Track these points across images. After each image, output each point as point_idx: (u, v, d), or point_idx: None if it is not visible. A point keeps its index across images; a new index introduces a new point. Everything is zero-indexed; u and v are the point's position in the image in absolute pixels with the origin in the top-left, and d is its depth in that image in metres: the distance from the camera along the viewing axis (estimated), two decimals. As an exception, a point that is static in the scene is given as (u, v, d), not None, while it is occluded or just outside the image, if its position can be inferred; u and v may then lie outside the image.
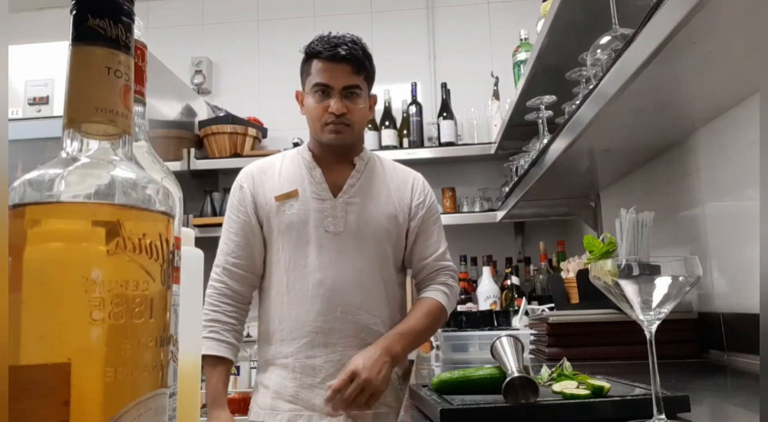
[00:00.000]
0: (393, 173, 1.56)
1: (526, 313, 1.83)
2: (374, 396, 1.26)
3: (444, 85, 2.94)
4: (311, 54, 1.45)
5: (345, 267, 1.41)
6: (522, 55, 2.24)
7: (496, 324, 1.74)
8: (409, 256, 1.53)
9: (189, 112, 2.92)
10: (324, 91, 1.43)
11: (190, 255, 0.53)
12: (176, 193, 0.49)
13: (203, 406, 1.38)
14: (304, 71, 1.48)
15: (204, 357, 1.32)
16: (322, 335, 1.39)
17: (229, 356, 1.40)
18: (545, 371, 0.89)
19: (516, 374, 0.71)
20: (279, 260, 1.45)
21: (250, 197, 1.48)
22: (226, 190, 2.27)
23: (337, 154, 1.50)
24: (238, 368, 2.20)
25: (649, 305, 0.62)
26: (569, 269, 1.73)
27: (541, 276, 2.61)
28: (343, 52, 1.41)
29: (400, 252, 1.52)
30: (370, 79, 1.50)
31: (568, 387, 0.76)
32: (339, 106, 1.42)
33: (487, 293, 2.51)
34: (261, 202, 1.47)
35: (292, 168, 1.51)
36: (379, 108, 2.94)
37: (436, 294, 1.47)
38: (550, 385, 0.80)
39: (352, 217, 1.45)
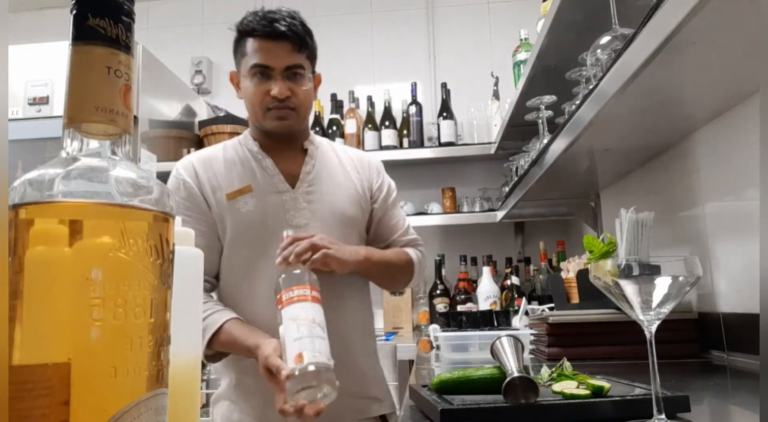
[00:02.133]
0: (347, 157, 1.45)
1: (526, 313, 1.83)
2: (327, 259, 1.17)
3: (444, 85, 2.94)
4: (245, 31, 1.29)
5: None
6: (522, 55, 2.24)
7: (496, 324, 1.74)
8: (373, 238, 1.43)
9: (189, 112, 2.92)
10: (263, 72, 1.28)
11: (190, 256, 0.53)
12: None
13: (203, 406, 1.34)
14: (238, 51, 1.33)
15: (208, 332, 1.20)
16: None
17: (231, 314, 1.24)
18: (545, 371, 0.89)
19: (516, 374, 0.71)
20: (233, 265, 1.30)
21: (198, 193, 1.31)
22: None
23: (284, 141, 1.37)
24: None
25: (649, 305, 0.62)
26: (569, 269, 1.73)
27: (541, 276, 2.61)
28: (282, 28, 1.26)
29: (364, 236, 1.42)
30: (312, 56, 1.36)
31: (568, 387, 0.76)
32: (282, 89, 1.27)
33: (487, 293, 2.51)
34: (210, 201, 1.30)
35: (238, 160, 1.35)
36: (379, 108, 2.94)
37: (408, 250, 1.43)
38: (550, 385, 0.80)
39: (316, 207, 1.32)
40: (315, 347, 0.97)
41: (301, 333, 0.98)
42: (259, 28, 1.27)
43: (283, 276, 1.09)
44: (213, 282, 1.34)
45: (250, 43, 1.29)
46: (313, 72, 1.38)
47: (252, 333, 1.19)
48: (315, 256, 1.16)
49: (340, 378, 1.25)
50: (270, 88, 1.28)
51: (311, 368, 0.94)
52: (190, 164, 1.34)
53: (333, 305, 1.20)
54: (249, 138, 1.39)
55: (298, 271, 1.10)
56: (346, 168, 1.42)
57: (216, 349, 1.23)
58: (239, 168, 1.34)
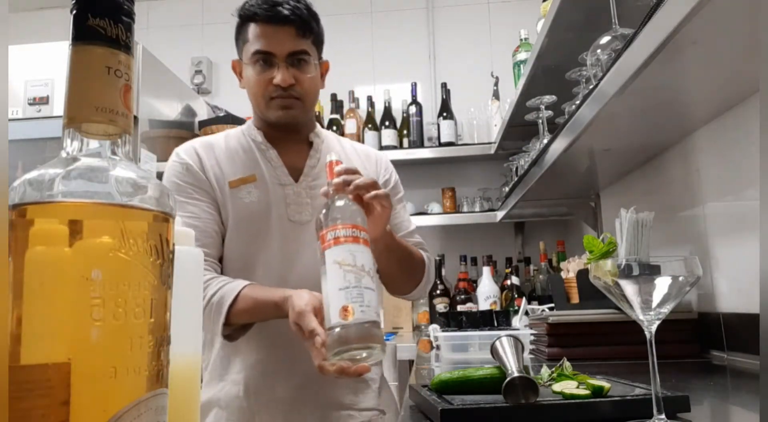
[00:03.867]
0: (353, 151, 1.37)
1: (526, 313, 1.83)
2: (385, 202, 1.00)
3: (444, 85, 2.94)
4: (246, 16, 1.22)
5: (311, 261, 1.12)
6: (522, 55, 2.25)
7: (496, 324, 1.74)
8: None
9: (189, 112, 2.92)
10: (266, 60, 1.20)
11: (190, 255, 0.53)
12: None
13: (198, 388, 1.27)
14: (240, 37, 1.26)
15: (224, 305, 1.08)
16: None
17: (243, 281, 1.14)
18: (545, 371, 0.89)
19: (516, 374, 0.71)
20: (229, 258, 1.22)
21: (203, 176, 1.23)
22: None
23: (289, 133, 1.28)
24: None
25: (649, 305, 0.62)
26: (569, 269, 1.73)
27: (541, 276, 2.61)
28: (286, 12, 1.19)
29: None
30: (318, 42, 1.28)
31: (568, 387, 0.76)
32: (285, 77, 1.19)
33: (487, 293, 2.51)
34: (213, 186, 1.23)
35: (241, 149, 1.28)
36: (379, 108, 2.94)
37: (423, 253, 1.32)
38: (550, 385, 0.80)
39: (319, 203, 1.22)
40: (364, 299, 0.81)
41: (348, 282, 0.82)
42: (261, 12, 1.20)
43: (331, 207, 0.90)
44: (221, 267, 1.25)
45: (252, 29, 1.22)
46: (320, 59, 1.30)
47: (276, 289, 1.07)
48: (379, 192, 0.98)
49: (343, 390, 1.19)
50: (273, 75, 1.20)
51: (358, 325, 0.80)
52: (191, 148, 1.26)
53: None
54: (252, 128, 1.31)
55: (349, 205, 0.91)
56: (352, 162, 1.31)
57: (236, 322, 1.11)
58: (243, 157, 1.26)
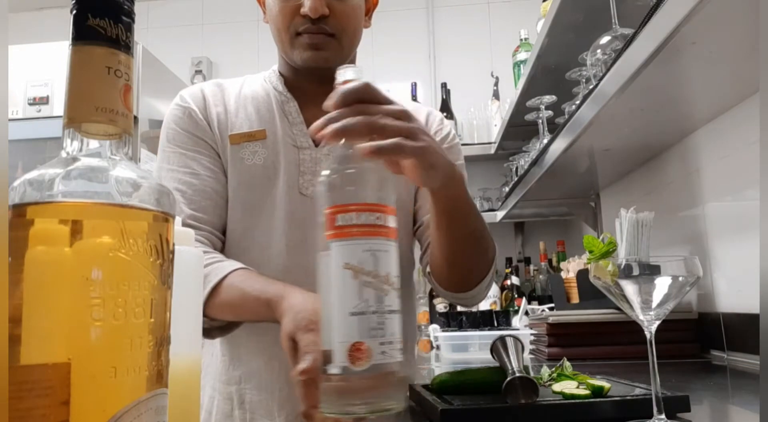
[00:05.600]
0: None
1: (526, 313, 1.83)
2: (409, 154, 0.62)
3: (444, 85, 2.94)
4: None
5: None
6: (522, 55, 2.25)
7: (496, 324, 1.74)
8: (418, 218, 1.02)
9: (189, 112, 2.92)
10: None
11: (190, 255, 0.53)
12: None
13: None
14: None
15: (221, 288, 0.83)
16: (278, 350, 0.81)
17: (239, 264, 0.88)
18: (545, 371, 0.89)
19: (516, 374, 0.71)
20: (228, 230, 0.98)
21: (206, 126, 0.98)
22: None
23: (318, 82, 0.95)
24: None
25: (649, 305, 0.62)
26: (569, 269, 1.73)
27: (541, 276, 2.61)
28: None
29: (411, 225, 1.03)
30: None
31: (568, 387, 0.76)
32: (316, 5, 0.89)
33: (487, 293, 2.51)
34: (216, 139, 0.98)
35: (257, 97, 1.02)
36: (379, 108, 2.94)
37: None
38: (550, 385, 0.80)
39: None
40: (386, 331, 0.53)
41: (366, 303, 0.52)
42: None
43: (340, 168, 0.56)
44: (222, 240, 0.99)
45: None
46: None
47: (273, 282, 0.81)
48: (386, 143, 0.58)
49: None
50: (300, 2, 0.91)
51: (371, 375, 0.52)
52: (198, 90, 1.02)
53: None
54: (275, 73, 1.05)
55: (365, 167, 0.56)
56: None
57: (215, 316, 0.86)
58: (255, 107, 1.01)
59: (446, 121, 1.10)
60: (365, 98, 0.61)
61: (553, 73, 1.68)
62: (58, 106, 2.41)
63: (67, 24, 0.36)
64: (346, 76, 0.62)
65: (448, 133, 1.06)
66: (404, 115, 0.63)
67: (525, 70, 1.91)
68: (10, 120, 1.40)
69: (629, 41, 0.96)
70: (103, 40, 0.36)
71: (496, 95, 2.87)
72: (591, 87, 1.19)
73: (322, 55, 0.94)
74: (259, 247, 0.96)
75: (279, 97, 1.02)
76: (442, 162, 0.69)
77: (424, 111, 1.09)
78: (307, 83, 1.00)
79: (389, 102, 0.63)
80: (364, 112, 0.60)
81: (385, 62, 3.19)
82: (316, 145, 0.98)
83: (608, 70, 1.06)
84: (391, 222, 0.55)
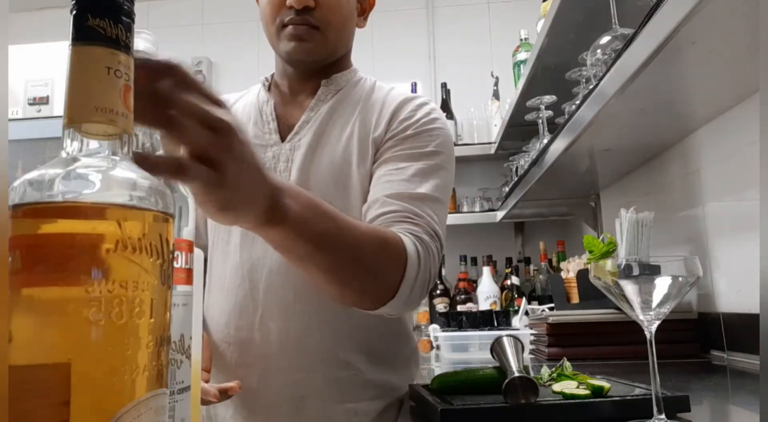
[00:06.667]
0: (379, 100, 1.00)
1: (526, 313, 1.83)
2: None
3: (444, 85, 2.94)
4: None
5: (283, 259, 0.78)
6: (522, 55, 2.25)
7: (496, 324, 1.74)
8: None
9: (189, 112, 2.92)
10: None
11: (190, 255, 0.53)
12: None
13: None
14: None
15: None
16: (235, 350, 0.90)
17: None
18: (545, 371, 0.89)
19: (516, 374, 0.71)
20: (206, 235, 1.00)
21: None
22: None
23: (302, 78, 0.97)
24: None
25: (649, 305, 0.62)
26: (569, 269, 1.73)
27: (541, 276, 2.61)
28: None
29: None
30: None
31: (568, 387, 0.76)
32: None
33: (487, 293, 2.51)
34: None
35: (245, 105, 1.03)
36: (379, 108, 2.94)
37: (404, 237, 0.80)
38: (550, 385, 0.80)
39: (295, 169, 0.93)
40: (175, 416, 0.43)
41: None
42: None
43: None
44: (206, 231, 1.00)
45: None
46: None
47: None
48: (163, 160, 0.47)
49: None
50: None
51: None
52: None
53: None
54: (267, 77, 1.06)
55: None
56: (367, 112, 0.98)
57: None
58: (240, 114, 1.00)
59: (429, 108, 0.99)
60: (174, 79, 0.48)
61: (553, 73, 1.68)
62: (58, 106, 2.41)
63: (67, 24, 0.36)
64: (138, 46, 0.45)
65: (418, 119, 0.93)
66: (217, 115, 0.49)
67: (525, 70, 1.91)
68: (10, 120, 1.40)
69: (629, 41, 0.96)
70: (103, 40, 0.36)
71: (496, 95, 2.86)
72: (591, 87, 1.19)
73: (305, 46, 0.92)
74: (224, 244, 0.95)
75: (260, 100, 1.02)
76: (242, 202, 0.54)
77: (416, 101, 1.01)
78: (289, 80, 1.00)
79: (201, 90, 0.50)
80: (168, 99, 0.47)
81: (385, 62, 3.19)
82: (282, 140, 0.96)
83: (608, 70, 1.06)
84: (186, 260, 0.44)
